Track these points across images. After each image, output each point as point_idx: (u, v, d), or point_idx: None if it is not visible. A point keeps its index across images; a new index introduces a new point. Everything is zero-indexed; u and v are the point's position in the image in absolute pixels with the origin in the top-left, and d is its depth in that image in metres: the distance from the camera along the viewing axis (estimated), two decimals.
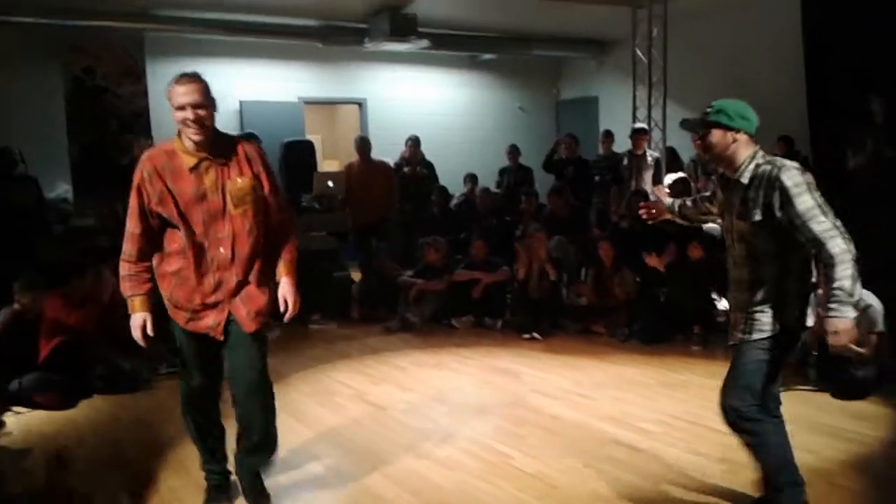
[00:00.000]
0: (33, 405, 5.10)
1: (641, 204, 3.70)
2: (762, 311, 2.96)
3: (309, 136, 10.73)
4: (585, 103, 12.33)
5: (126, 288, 3.17)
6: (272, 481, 3.92)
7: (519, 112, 12.54)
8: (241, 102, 10.32)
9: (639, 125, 9.03)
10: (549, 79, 12.89)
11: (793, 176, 2.79)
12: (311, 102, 11.20)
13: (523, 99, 12.68)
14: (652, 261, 6.69)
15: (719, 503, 3.47)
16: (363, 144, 8.40)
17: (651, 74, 9.49)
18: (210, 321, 3.18)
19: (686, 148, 9.11)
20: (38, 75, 8.99)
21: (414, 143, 9.39)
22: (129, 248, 3.14)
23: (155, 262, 3.19)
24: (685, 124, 3.18)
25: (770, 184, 2.82)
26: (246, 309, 3.17)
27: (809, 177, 2.83)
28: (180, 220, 3.05)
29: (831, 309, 2.74)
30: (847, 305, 2.72)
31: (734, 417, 3.09)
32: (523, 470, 3.90)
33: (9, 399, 5.13)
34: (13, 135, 7.83)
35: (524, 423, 4.62)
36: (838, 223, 2.76)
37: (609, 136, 9.30)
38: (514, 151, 9.89)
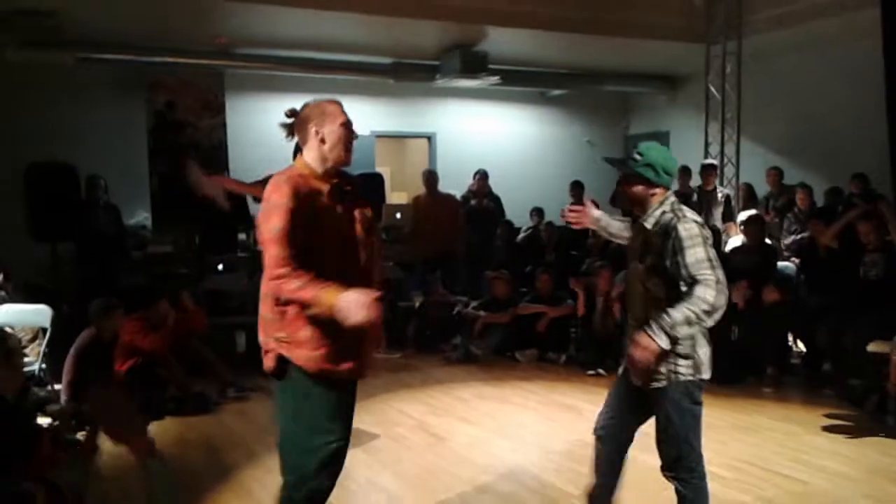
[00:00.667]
0: None
1: (569, 207, 3.49)
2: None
3: (378, 169, 10.90)
4: (655, 139, 12.16)
5: (308, 294, 2.61)
6: None
7: (587, 146, 12.49)
8: None
9: (708, 161, 8.89)
10: (619, 113, 12.83)
11: (689, 228, 2.81)
12: (382, 136, 11.39)
13: (592, 133, 12.64)
14: (736, 296, 6.46)
15: None
16: (431, 177, 8.49)
17: (724, 110, 9.35)
18: (351, 362, 2.81)
19: (761, 184, 8.93)
20: (122, 109, 9.41)
21: (482, 176, 9.44)
22: (287, 268, 2.64)
23: (290, 309, 2.75)
24: (610, 161, 3.13)
25: (667, 232, 2.83)
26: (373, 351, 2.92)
27: (707, 232, 2.84)
28: (322, 247, 2.74)
29: (650, 326, 2.78)
30: (663, 334, 2.75)
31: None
32: None
33: (82, 419, 5.30)
34: (98, 164, 8.18)
35: (589, 463, 4.52)
36: (721, 279, 2.75)
37: (686, 172, 9.10)
38: (576, 187, 9.85)
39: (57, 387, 5.55)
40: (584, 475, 4.27)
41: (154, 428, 5.30)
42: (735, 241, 7.78)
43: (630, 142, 12.79)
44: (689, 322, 2.73)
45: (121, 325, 5.59)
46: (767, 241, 7.29)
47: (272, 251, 2.67)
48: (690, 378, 2.92)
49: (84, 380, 5.33)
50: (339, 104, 2.91)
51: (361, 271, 2.85)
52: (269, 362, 2.81)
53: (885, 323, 5.36)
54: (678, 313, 2.73)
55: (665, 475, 3.10)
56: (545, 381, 6.56)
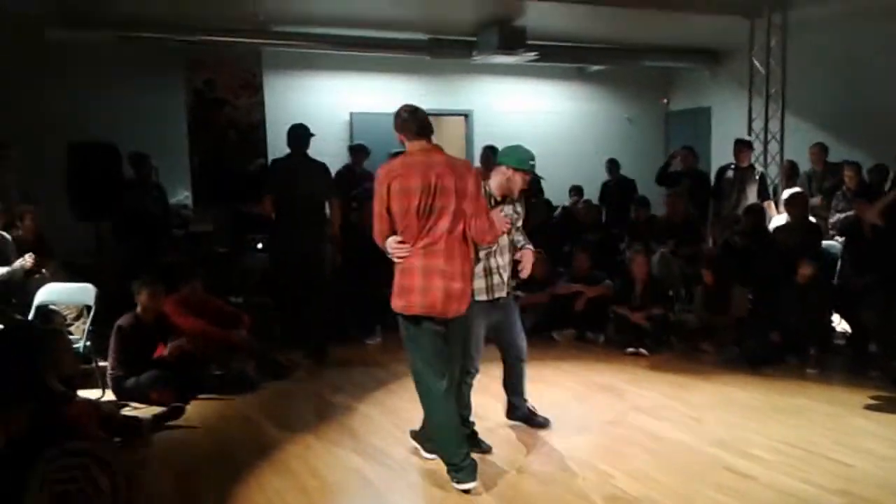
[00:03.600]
0: (149, 401, 5.31)
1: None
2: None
3: None
4: (697, 114, 11.97)
5: None
6: (372, 485, 3.97)
7: (627, 123, 12.31)
8: (351, 114, 10.56)
9: (744, 137, 8.68)
10: (659, 89, 12.59)
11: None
12: None
13: (632, 110, 12.43)
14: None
15: None
16: (490, 154, 8.38)
17: (768, 85, 9.12)
18: None
19: (805, 161, 8.72)
20: (161, 88, 9.46)
21: None
22: None
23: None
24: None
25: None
26: None
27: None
28: None
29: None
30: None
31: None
32: (626, 491, 3.79)
33: (126, 395, 5.40)
34: (138, 143, 8.25)
35: (626, 443, 4.50)
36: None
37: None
38: (611, 164, 9.99)
39: (102, 364, 5.66)
40: (622, 455, 4.26)
41: (195, 405, 5.38)
42: (779, 219, 7.63)
43: (671, 119, 12.58)
44: None
45: (161, 305, 5.64)
46: (812, 219, 7.14)
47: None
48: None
49: (128, 358, 5.43)
50: None
51: None
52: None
53: None
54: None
55: None
56: (583, 360, 6.51)
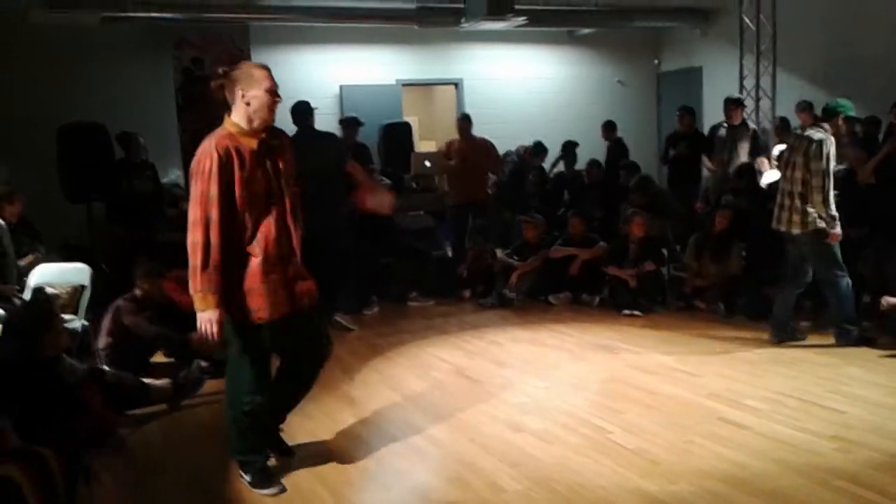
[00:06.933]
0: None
1: None
2: None
3: (406, 118, 10.84)
4: (688, 74, 11.91)
5: (195, 280, 3.44)
6: (373, 451, 4.01)
7: (618, 86, 12.26)
8: (340, 87, 10.51)
9: (734, 95, 8.63)
10: (650, 50, 12.51)
11: None
12: (408, 84, 11.29)
13: (622, 73, 12.37)
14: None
15: (830, 481, 3.32)
16: (465, 122, 8.34)
17: (759, 42, 9.08)
18: None
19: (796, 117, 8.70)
20: (149, 67, 9.41)
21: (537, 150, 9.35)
22: (198, 233, 3.48)
23: None
24: None
25: None
26: None
27: None
28: (248, 199, 3.40)
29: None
30: None
31: None
32: (623, 445, 3.84)
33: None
34: (128, 124, 8.22)
35: (623, 399, 4.55)
36: None
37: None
38: (608, 126, 9.80)
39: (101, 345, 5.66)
40: (619, 411, 4.31)
41: None
42: (771, 175, 7.62)
43: (663, 79, 12.51)
44: None
45: (159, 293, 5.52)
46: None
47: (190, 213, 3.27)
48: None
49: (120, 346, 5.39)
50: (267, 69, 3.31)
51: (284, 217, 3.42)
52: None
53: None
54: None
55: None
56: (579, 323, 6.54)
